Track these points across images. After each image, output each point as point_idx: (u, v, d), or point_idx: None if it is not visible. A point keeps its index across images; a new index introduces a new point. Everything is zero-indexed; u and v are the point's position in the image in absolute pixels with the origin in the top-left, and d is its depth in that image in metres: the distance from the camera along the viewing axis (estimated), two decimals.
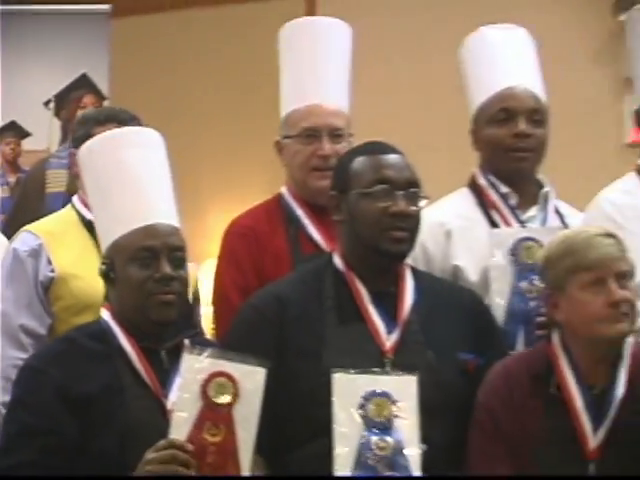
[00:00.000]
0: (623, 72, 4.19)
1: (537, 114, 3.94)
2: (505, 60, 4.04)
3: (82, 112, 4.30)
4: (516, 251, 3.67)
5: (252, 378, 3.13)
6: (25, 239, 3.95)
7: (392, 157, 3.47)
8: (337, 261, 3.48)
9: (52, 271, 3.88)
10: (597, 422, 3.23)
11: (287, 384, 3.25)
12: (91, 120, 4.03)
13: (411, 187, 3.41)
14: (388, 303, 3.41)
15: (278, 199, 4.08)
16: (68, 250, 3.75)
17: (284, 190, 4.07)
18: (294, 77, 4.18)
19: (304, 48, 4.19)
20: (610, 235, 3.29)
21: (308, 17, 4.34)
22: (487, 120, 3.96)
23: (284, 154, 4.09)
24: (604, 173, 4.03)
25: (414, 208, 3.40)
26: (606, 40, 5.54)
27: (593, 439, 3.21)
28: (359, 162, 3.45)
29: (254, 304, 3.54)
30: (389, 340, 3.35)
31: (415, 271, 3.54)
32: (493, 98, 3.96)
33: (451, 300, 3.54)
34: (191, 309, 3.96)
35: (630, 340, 3.33)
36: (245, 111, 7.18)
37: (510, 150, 3.89)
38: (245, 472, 3.10)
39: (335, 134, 3.99)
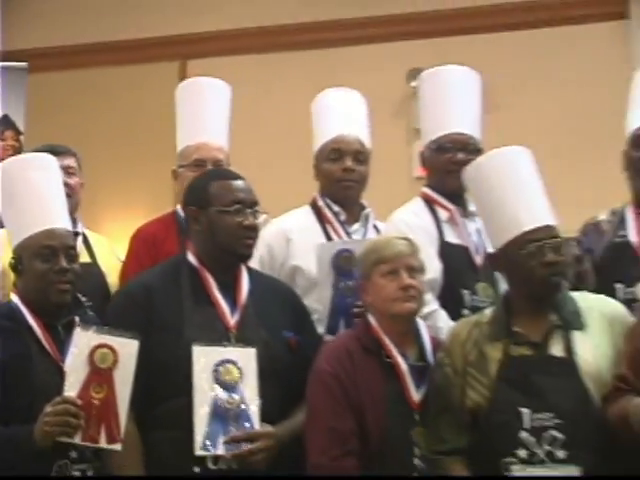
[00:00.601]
0: (413, 124, 4.26)
1: (361, 155, 3.99)
2: (339, 113, 4.08)
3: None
4: (336, 260, 3.69)
5: (128, 348, 3.17)
6: None
7: (241, 182, 3.49)
8: (191, 258, 3.47)
9: None
10: (418, 382, 3.27)
11: (155, 354, 3.22)
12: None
13: (255, 206, 3.45)
14: (230, 291, 3.43)
15: (174, 214, 4.10)
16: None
17: (178, 207, 4.05)
18: (187, 121, 4.28)
19: (194, 100, 4.31)
20: (405, 238, 3.40)
21: (198, 78, 4.35)
22: (324, 158, 4.00)
23: (179, 179, 4.13)
24: (399, 199, 4.06)
25: (257, 222, 3.44)
26: (401, 100, 5.62)
27: (416, 395, 3.25)
28: (217, 185, 3.46)
29: (127, 291, 3.56)
30: (232, 319, 3.37)
31: (249, 269, 3.55)
32: (329, 142, 4.00)
33: (275, 291, 3.58)
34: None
35: (421, 321, 3.43)
36: (134, 145, 7.11)
37: (339, 181, 3.96)
38: (122, 422, 3.12)
39: (217, 164, 4.05)
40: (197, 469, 3.20)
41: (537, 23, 6.18)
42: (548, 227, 3.23)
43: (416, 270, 3.33)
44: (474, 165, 3.52)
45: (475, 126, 4.02)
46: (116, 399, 3.14)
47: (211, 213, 3.43)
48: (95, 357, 3.14)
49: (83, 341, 3.15)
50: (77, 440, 3.08)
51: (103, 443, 3.12)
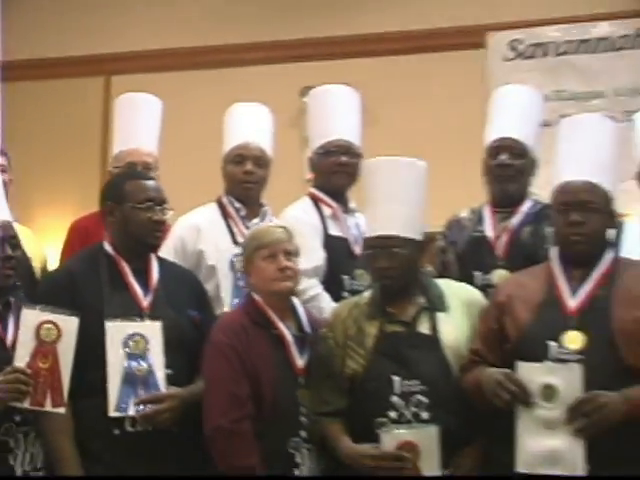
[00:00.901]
0: (304, 133, 4.27)
1: (261, 160, 3.97)
2: (245, 124, 4.05)
3: None
4: (232, 262, 3.73)
5: (69, 324, 3.15)
6: None
7: (152, 182, 3.47)
8: (108, 247, 3.41)
9: None
10: (300, 351, 3.28)
11: (81, 331, 3.16)
12: None
13: (163, 203, 3.41)
14: (142, 277, 3.38)
15: None
16: None
17: None
18: (122, 129, 4.25)
19: (129, 112, 4.26)
20: (281, 227, 3.42)
21: (132, 93, 4.34)
22: (229, 161, 3.97)
23: None
24: (292, 197, 4.04)
25: (164, 217, 3.42)
26: (295, 114, 5.62)
27: (300, 361, 3.26)
28: (131, 184, 3.42)
29: (53, 277, 3.51)
30: (145, 301, 3.33)
31: (158, 257, 3.51)
32: (234, 147, 3.97)
33: (181, 277, 3.55)
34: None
35: (295, 298, 3.42)
36: (64, 150, 6.97)
37: (241, 182, 3.94)
38: (65, 389, 3.10)
39: (146, 167, 4.02)
40: (117, 431, 3.18)
41: (411, 50, 6.23)
42: (388, 237, 3.21)
43: (292, 254, 3.33)
44: (365, 165, 3.52)
45: (356, 135, 4.02)
46: (60, 369, 3.12)
47: (125, 208, 3.38)
48: (41, 332, 3.11)
49: (30, 318, 3.12)
50: (26, 405, 3.08)
51: (49, 407, 3.10)
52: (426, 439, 3.02)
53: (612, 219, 3.15)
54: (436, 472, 3.02)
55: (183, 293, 3.46)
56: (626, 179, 3.39)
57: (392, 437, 3.03)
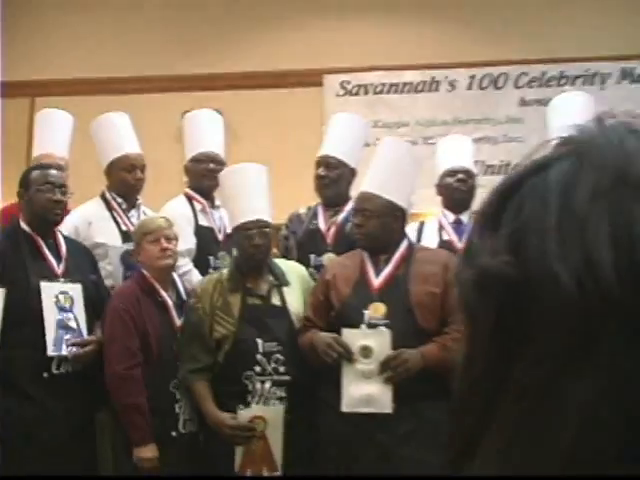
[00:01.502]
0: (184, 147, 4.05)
1: (144, 167, 3.72)
2: (124, 134, 3.75)
3: None
4: (125, 257, 3.49)
5: None
6: None
7: (53, 170, 3.28)
8: (23, 225, 3.22)
9: None
10: (179, 314, 3.15)
11: (12, 296, 3.00)
12: None
13: (63, 187, 3.23)
14: (53, 249, 3.22)
15: None
16: None
17: None
18: (41, 138, 3.97)
19: (46, 124, 4.00)
20: (163, 217, 3.30)
21: (50, 109, 4.12)
22: (121, 169, 3.65)
23: None
24: (175, 196, 3.80)
25: (64, 198, 3.24)
26: (178, 132, 5.11)
27: (178, 322, 3.14)
28: (35, 173, 3.24)
29: None
30: (59, 269, 3.17)
31: (62, 235, 3.33)
32: (122, 156, 3.66)
33: (79, 248, 3.37)
34: None
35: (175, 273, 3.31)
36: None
37: (133, 187, 3.66)
38: None
39: (59, 168, 3.71)
40: (46, 374, 3.03)
41: (266, 85, 6.05)
42: (258, 220, 3.10)
43: (171, 238, 3.23)
44: (224, 172, 3.39)
45: (221, 148, 3.86)
46: None
47: (31, 192, 3.19)
48: None
49: None
50: None
51: None
52: (273, 414, 2.97)
53: (397, 220, 3.05)
54: (279, 440, 2.96)
55: (84, 261, 3.33)
56: (425, 188, 3.28)
57: (247, 412, 2.97)
